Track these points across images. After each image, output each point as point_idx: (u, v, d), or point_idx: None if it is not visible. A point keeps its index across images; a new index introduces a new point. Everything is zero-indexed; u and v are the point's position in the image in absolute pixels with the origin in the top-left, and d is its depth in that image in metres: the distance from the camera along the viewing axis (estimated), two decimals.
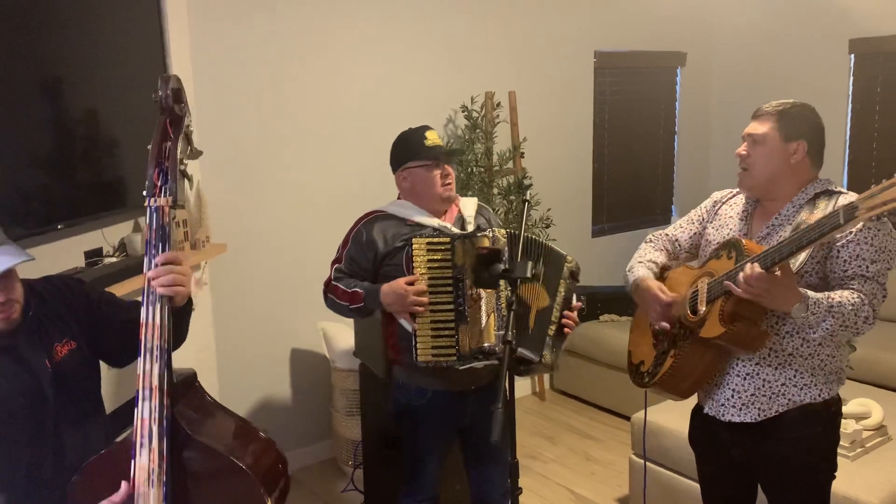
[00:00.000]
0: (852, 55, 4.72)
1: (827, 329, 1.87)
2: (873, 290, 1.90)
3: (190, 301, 1.63)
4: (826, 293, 1.88)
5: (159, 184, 1.48)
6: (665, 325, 2.14)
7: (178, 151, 1.50)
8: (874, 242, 1.90)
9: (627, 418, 3.97)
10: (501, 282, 2.20)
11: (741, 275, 1.84)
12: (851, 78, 4.75)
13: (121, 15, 2.87)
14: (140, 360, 1.43)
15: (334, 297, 2.40)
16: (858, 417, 2.87)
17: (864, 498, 2.48)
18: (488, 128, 4.12)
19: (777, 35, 5.05)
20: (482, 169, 4.07)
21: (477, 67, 4.23)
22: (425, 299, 2.22)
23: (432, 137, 2.43)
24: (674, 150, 5.45)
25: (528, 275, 2.06)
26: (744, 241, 1.98)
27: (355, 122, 3.86)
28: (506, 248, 2.23)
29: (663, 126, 5.37)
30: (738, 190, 2.22)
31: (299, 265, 3.76)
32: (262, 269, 3.67)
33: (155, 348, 1.43)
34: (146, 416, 1.41)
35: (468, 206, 2.51)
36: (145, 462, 1.42)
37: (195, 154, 1.58)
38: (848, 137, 4.79)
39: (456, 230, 2.39)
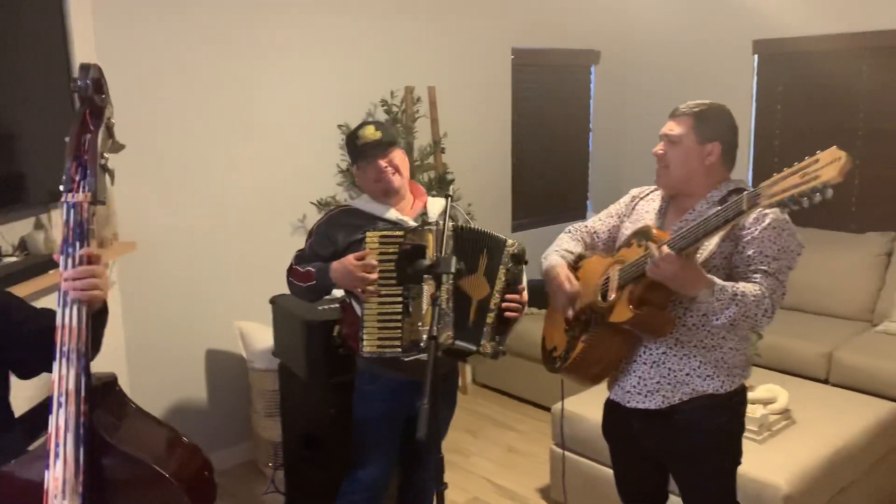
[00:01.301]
0: (756, 56, 4.94)
1: (729, 317, 1.93)
2: (774, 286, 1.97)
3: (105, 307, 1.55)
4: (731, 283, 1.95)
5: (77, 178, 1.40)
6: (569, 314, 2.21)
7: (99, 144, 1.41)
8: (778, 241, 1.98)
9: (547, 409, 4.05)
10: (444, 277, 2.19)
11: (652, 261, 1.89)
12: (755, 77, 4.98)
13: (19, 4, 2.71)
14: (56, 365, 1.34)
15: (293, 279, 2.45)
16: (765, 403, 3.01)
17: (772, 479, 2.60)
18: (409, 123, 4.11)
19: (686, 36, 5.24)
20: None
21: (396, 62, 4.20)
22: (374, 276, 2.24)
23: (364, 134, 2.43)
24: (589, 146, 5.57)
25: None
26: (653, 228, 2.04)
27: (271, 117, 3.77)
28: (451, 243, 2.26)
29: (579, 122, 5.47)
30: (655, 187, 2.28)
31: (214, 263, 3.65)
32: (175, 268, 3.54)
33: (71, 352, 1.35)
34: (62, 423, 1.33)
35: (435, 205, 2.51)
36: (60, 473, 1.34)
37: (117, 147, 1.49)
38: (752, 135, 5.01)
39: (412, 224, 2.41)
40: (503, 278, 2.35)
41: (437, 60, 4.40)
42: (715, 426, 2.11)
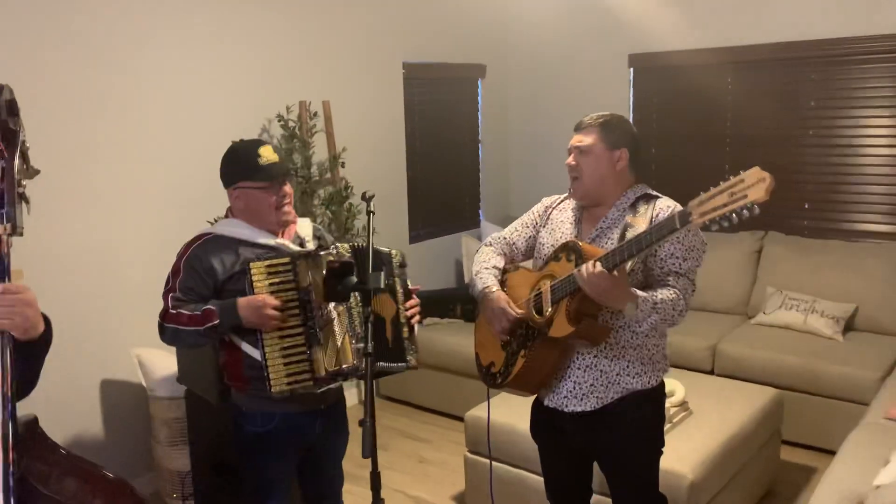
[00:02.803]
0: (632, 69, 5.23)
1: (651, 324, 2.08)
2: (686, 285, 2.13)
3: (47, 334, 1.45)
4: (650, 292, 2.07)
5: None
6: (506, 338, 2.28)
7: (15, 171, 1.33)
8: (685, 242, 2.13)
9: (457, 418, 4.11)
10: (352, 298, 2.18)
11: (584, 272, 1.98)
12: (632, 89, 5.27)
13: None
14: None
15: (177, 324, 2.18)
16: (666, 396, 3.19)
17: (677, 468, 2.76)
18: (305, 137, 4.07)
19: (566, 50, 5.47)
20: (301, 179, 4.01)
21: (290, 77, 4.16)
22: (282, 314, 2.13)
23: (266, 154, 2.25)
24: (479, 157, 5.71)
25: (382, 285, 2.07)
26: (581, 243, 2.13)
27: (162, 135, 3.64)
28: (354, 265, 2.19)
29: (469, 135, 5.60)
30: (565, 195, 2.38)
31: (106, 289, 3.47)
32: (64, 295, 3.34)
33: None
34: None
35: (304, 226, 2.43)
36: None
37: (32, 173, 1.41)
38: None
39: (295, 248, 2.30)
40: (400, 289, 2.34)
41: (330, 74, 4.39)
42: (642, 419, 2.24)
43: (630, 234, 2.07)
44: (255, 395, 2.23)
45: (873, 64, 4.38)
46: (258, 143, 2.31)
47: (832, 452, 2.89)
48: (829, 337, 4.08)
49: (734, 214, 1.76)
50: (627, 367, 2.20)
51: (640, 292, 2.05)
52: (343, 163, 4.23)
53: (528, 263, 2.46)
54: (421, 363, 2.39)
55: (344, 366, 2.17)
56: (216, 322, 2.14)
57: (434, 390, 4.50)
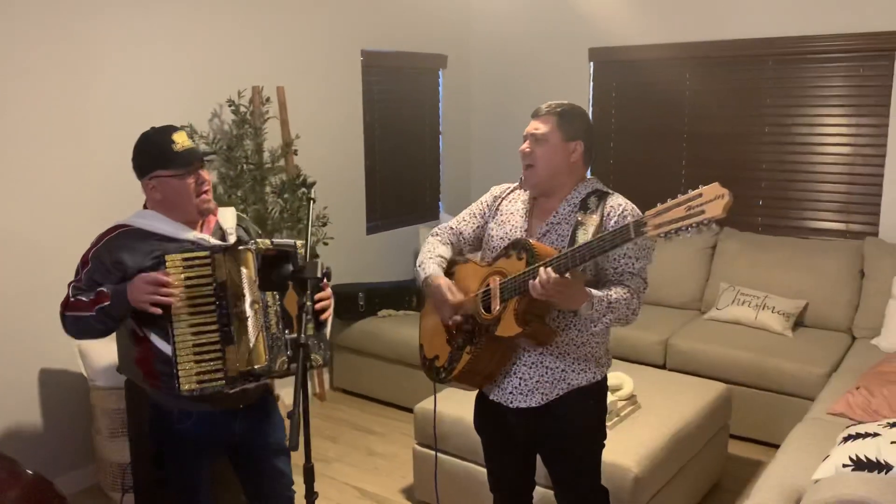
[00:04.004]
0: (592, 62, 5.22)
1: (606, 323, 2.08)
2: (639, 284, 2.12)
3: None
4: (604, 292, 2.05)
5: None
6: (458, 318, 2.22)
7: None
8: (637, 242, 2.07)
9: (408, 410, 4.08)
10: (269, 296, 2.09)
11: (538, 279, 1.94)
12: (591, 83, 5.26)
13: None
14: None
15: (76, 312, 2.10)
16: (613, 390, 3.19)
17: (622, 461, 2.76)
18: (257, 124, 3.99)
19: (528, 43, 5.45)
20: (252, 166, 3.93)
21: (243, 61, 4.07)
22: (175, 291, 2.02)
23: (181, 140, 2.16)
24: (439, 148, 5.66)
25: (319, 275, 2.02)
26: (533, 242, 2.09)
27: (107, 117, 3.53)
28: (299, 253, 2.14)
29: (429, 126, 5.55)
30: (515, 185, 2.34)
31: (44, 276, 3.36)
32: (1, 281, 3.23)
33: None
34: None
35: (227, 216, 2.32)
36: None
37: None
38: None
39: (215, 242, 2.19)
40: (304, 283, 2.16)
41: (285, 60, 4.31)
42: (585, 413, 2.23)
43: (581, 234, 2.06)
44: (167, 391, 2.14)
45: (829, 63, 4.42)
46: (171, 129, 2.20)
47: (779, 446, 2.91)
48: (780, 333, 4.12)
49: (689, 229, 1.74)
50: (572, 363, 2.19)
51: (594, 292, 2.03)
52: (296, 150, 4.16)
53: (477, 256, 2.42)
54: (329, 357, 2.26)
55: (256, 366, 2.08)
56: (107, 304, 2.05)
57: (387, 382, 4.46)
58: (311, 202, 2.20)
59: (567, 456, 2.28)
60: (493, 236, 2.31)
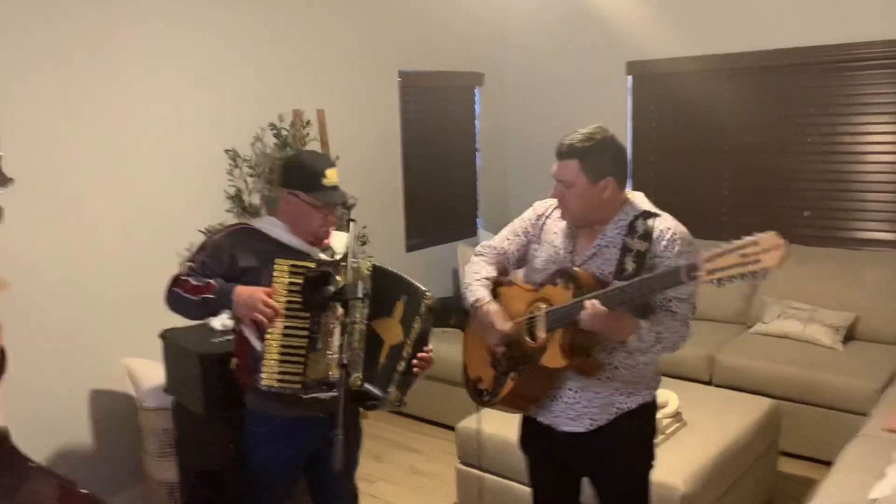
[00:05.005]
0: (630, 76, 5.20)
1: (655, 353, 2.05)
2: (687, 310, 2.06)
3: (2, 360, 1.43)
4: (652, 321, 2.00)
5: None
6: (501, 349, 2.21)
7: None
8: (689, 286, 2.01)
9: (450, 428, 4.06)
10: (357, 314, 2.17)
11: (586, 312, 1.91)
12: (630, 97, 5.23)
13: None
14: None
15: (181, 290, 2.24)
16: (658, 407, 3.14)
17: (670, 480, 2.71)
18: (299, 146, 4.05)
19: (564, 58, 5.45)
20: None
21: (284, 85, 4.14)
22: (275, 316, 2.15)
23: (331, 176, 2.29)
24: (475, 166, 5.68)
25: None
26: (579, 271, 2.06)
27: (155, 143, 3.62)
28: (367, 281, 2.23)
29: (466, 143, 5.58)
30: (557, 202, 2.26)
31: (97, 298, 3.45)
32: (54, 305, 3.32)
33: None
34: None
35: (338, 239, 2.42)
36: None
37: (5, 181, 1.39)
38: (630, 151, 5.25)
39: (323, 257, 2.32)
40: (417, 329, 2.28)
41: (325, 83, 4.38)
42: (634, 436, 2.20)
43: (629, 262, 2.02)
44: (255, 391, 2.24)
45: (873, 70, 4.34)
46: (327, 162, 2.33)
47: (831, 464, 2.83)
48: (829, 346, 4.02)
49: (743, 277, 1.70)
50: (620, 387, 2.15)
51: (643, 323, 1.99)
52: None
53: (521, 272, 2.41)
54: (404, 403, 2.30)
55: (331, 376, 2.15)
56: (211, 296, 2.19)
57: (428, 400, 4.45)
58: (352, 223, 2.25)
59: (614, 478, 2.25)
60: (537, 257, 2.27)
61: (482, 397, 2.29)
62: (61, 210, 3.33)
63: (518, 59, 5.69)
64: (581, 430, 2.17)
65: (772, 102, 4.69)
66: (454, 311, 4.70)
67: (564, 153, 2.09)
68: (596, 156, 2.06)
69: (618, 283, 1.95)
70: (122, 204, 3.53)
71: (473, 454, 3.15)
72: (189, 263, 2.31)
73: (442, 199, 5.42)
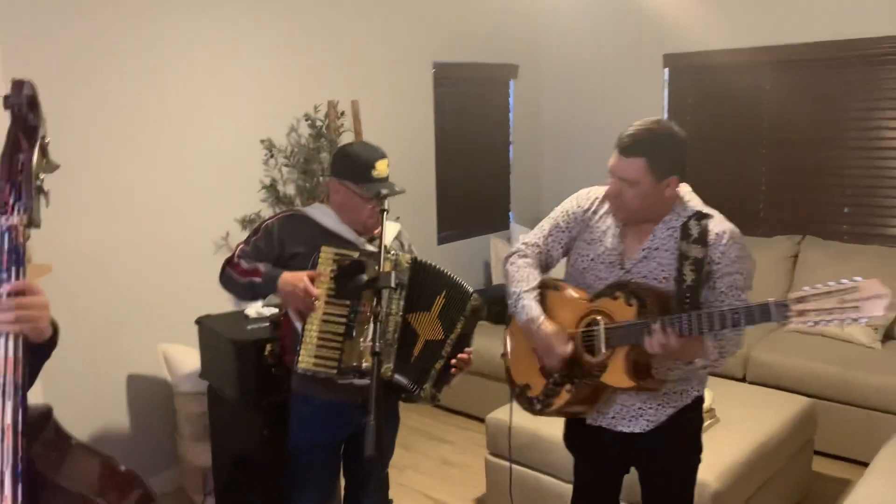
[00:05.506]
0: (666, 69, 5.14)
1: (717, 366, 2.00)
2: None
3: (53, 339, 1.47)
4: (717, 341, 1.94)
5: (12, 201, 1.33)
6: (556, 375, 2.15)
7: (34, 165, 1.35)
8: (743, 270, 1.98)
9: (479, 419, 4.07)
10: (394, 305, 2.21)
11: (657, 339, 1.86)
12: (666, 90, 5.17)
13: None
14: None
15: (233, 272, 2.34)
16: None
17: (703, 477, 2.67)
18: (333, 137, 4.08)
19: (600, 50, 5.40)
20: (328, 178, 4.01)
21: (318, 76, 4.17)
22: (318, 301, 2.19)
23: (381, 168, 2.32)
24: (509, 158, 5.66)
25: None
26: (642, 285, 1.99)
27: (191, 133, 3.67)
28: (406, 273, 2.24)
29: (499, 135, 5.56)
30: (599, 196, 2.18)
31: (134, 284, 3.51)
32: (93, 290, 3.39)
33: (8, 384, 1.27)
34: None
35: (389, 230, 2.43)
36: None
37: (52, 167, 1.43)
38: None
39: (369, 248, 2.34)
40: (459, 329, 2.28)
41: (359, 74, 4.39)
42: (687, 430, 2.19)
43: (688, 272, 1.93)
44: (296, 373, 2.29)
45: None
46: (378, 154, 2.35)
47: (867, 465, 2.79)
48: (867, 345, 3.95)
49: (841, 322, 1.66)
50: (674, 385, 2.12)
51: (709, 343, 1.92)
52: None
53: (570, 275, 2.27)
54: (439, 400, 2.35)
55: (364, 364, 2.18)
56: (258, 280, 2.27)
57: (458, 391, 4.42)
58: (384, 213, 2.26)
59: (665, 475, 2.23)
60: (583, 255, 2.17)
61: (533, 405, 2.22)
62: (103, 200, 3.39)
63: (553, 51, 5.66)
64: (638, 430, 2.13)
65: (812, 96, 4.60)
66: (486, 303, 4.71)
67: (629, 149, 1.95)
68: (663, 154, 1.95)
69: (695, 312, 1.85)
70: (160, 194, 3.59)
71: (503, 446, 3.15)
72: (242, 246, 2.39)
73: (474, 191, 5.41)
